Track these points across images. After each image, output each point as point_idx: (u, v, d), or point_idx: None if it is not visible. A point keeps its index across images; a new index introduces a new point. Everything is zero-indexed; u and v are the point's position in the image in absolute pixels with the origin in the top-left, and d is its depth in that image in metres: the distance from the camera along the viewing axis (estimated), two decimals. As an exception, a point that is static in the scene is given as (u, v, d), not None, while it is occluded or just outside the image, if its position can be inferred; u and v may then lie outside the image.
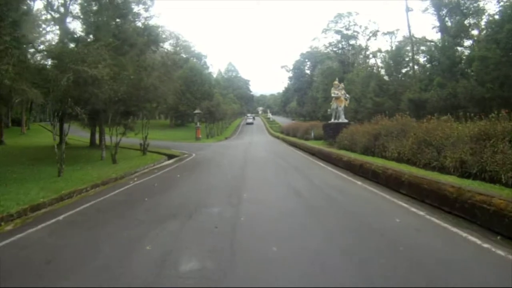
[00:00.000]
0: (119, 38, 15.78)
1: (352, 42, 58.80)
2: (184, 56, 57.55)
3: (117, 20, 17.59)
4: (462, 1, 31.22)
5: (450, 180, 6.00)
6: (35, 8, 21.11)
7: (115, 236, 4.59)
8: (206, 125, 43.99)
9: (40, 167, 12.83)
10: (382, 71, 38.48)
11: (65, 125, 14.72)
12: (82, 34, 17.69)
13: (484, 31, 29.44)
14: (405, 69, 37.02)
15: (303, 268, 3.40)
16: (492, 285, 3.05)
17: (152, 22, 20.14)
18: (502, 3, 24.02)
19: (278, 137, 36.90)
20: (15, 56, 7.81)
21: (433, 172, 7.19)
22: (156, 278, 3.22)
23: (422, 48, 38.41)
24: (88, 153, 18.79)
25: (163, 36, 22.49)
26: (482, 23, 30.83)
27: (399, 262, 3.48)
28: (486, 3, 30.46)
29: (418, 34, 48.83)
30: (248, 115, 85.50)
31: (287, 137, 32.29)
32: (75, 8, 20.03)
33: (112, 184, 9.78)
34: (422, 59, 38.26)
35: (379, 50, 48.06)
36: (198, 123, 38.90)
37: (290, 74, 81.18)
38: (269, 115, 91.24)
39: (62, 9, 20.23)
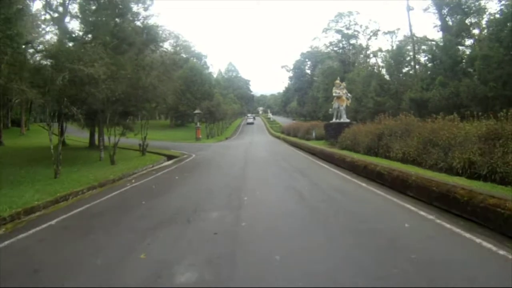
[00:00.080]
0: (117, 37, 15.55)
1: (352, 41, 58.61)
2: (184, 56, 57.40)
3: (117, 20, 17.37)
4: (463, 0, 31.01)
5: (460, 182, 5.75)
6: (34, 9, 21.09)
7: (109, 243, 4.35)
8: (206, 125, 43.78)
9: (37, 169, 12.60)
10: (383, 71, 38.21)
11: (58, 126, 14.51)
12: (81, 33, 17.42)
13: (485, 30, 29.33)
14: (406, 69, 36.80)
15: (310, 280, 3.15)
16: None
17: (151, 21, 19.94)
18: (503, 2, 23.81)
19: (278, 137, 36.64)
20: (9, 55, 7.56)
21: (441, 174, 6.95)
22: (149, 291, 2.98)
23: (423, 47, 38.22)
24: (87, 154, 18.56)
25: (163, 36, 22.26)
26: (483, 22, 30.77)
27: (413, 273, 3.23)
28: (487, 2, 30.35)
29: (419, 33, 48.67)
30: (249, 115, 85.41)
31: (288, 137, 32.04)
32: (74, 8, 19.88)
33: (109, 186, 9.55)
34: (423, 58, 38.11)
35: (380, 50, 47.84)
36: (198, 123, 38.68)
37: (291, 74, 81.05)
38: (270, 115, 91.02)
39: (61, 9, 20.06)
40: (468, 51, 29.74)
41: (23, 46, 16.63)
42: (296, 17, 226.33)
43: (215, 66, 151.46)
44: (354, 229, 4.66)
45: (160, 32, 20.01)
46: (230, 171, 11.55)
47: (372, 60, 50.92)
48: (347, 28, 58.22)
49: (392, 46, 45.58)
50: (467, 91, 23.02)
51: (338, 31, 58.69)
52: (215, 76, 79.60)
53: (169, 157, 17.76)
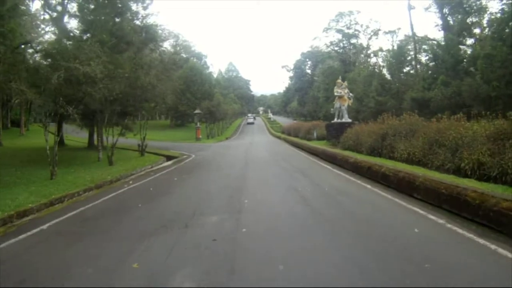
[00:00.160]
0: (116, 36, 15.31)
1: (353, 41, 58.40)
2: (184, 55, 57.16)
3: (116, 19, 17.16)
4: (465, -1, 30.86)
5: (470, 184, 5.50)
6: (33, 9, 20.92)
7: (101, 251, 4.09)
8: (206, 125, 43.53)
9: (34, 170, 12.37)
10: (384, 70, 37.99)
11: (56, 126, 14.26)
12: (78, 32, 17.17)
13: (486, 30, 29.17)
14: (407, 68, 36.59)
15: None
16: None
17: (151, 20, 19.71)
18: (504, 1, 23.58)
19: (279, 137, 36.39)
20: (1, 52, 7.32)
21: (448, 175, 6.70)
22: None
23: (424, 46, 38.05)
24: (85, 154, 18.35)
25: (163, 35, 22.03)
26: (484, 21, 30.59)
27: (429, 285, 2.99)
28: (489, 1, 30.20)
29: (419, 33, 48.28)
30: (249, 115, 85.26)
31: (289, 137, 31.77)
32: (73, 7, 19.68)
33: (106, 187, 9.31)
34: (424, 58, 37.95)
35: (381, 49, 47.64)
36: (198, 123, 38.43)
37: (291, 74, 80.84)
38: (270, 115, 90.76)
39: (59, 8, 19.86)
40: (469, 51, 29.53)
41: (22, 46, 16.46)
42: (296, 17, 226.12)
43: (215, 66, 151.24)
44: (361, 234, 4.40)
45: (160, 31, 19.82)
46: (230, 172, 11.31)
47: (373, 60, 50.77)
48: (348, 28, 58.02)
49: (393, 46, 45.44)
50: (469, 91, 22.77)
51: (339, 31, 58.49)
52: (215, 76, 79.39)
53: (169, 158, 17.53)
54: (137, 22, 18.57)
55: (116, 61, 12.04)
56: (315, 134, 24.11)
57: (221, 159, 16.32)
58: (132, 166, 13.41)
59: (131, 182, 9.93)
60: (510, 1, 22.35)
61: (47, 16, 20.02)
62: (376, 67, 41.30)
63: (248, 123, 69.73)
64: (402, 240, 4.13)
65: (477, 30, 32.03)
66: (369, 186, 7.66)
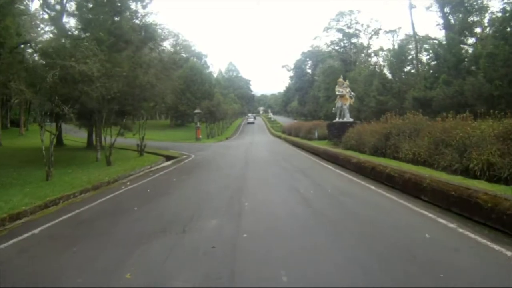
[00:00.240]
0: (114, 35, 15.09)
1: (354, 40, 58.14)
2: (184, 55, 56.89)
3: (115, 18, 16.95)
4: (466, -2, 30.67)
5: (480, 186, 5.27)
6: (33, 8, 20.74)
7: (93, 258, 3.85)
8: (206, 125, 43.32)
9: (30, 170, 12.18)
10: (385, 70, 37.76)
11: (54, 126, 14.08)
12: (76, 32, 16.95)
13: (487, 29, 28.99)
14: (408, 67, 36.37)
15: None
16: None
17: (150, 19, 19.50)
18: (506, 0, 23.37)
19: (279, 137, 36.15)
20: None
21: (456, 176, 6.46)
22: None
23: (425, 46, 37.83)
24: (84, 154, 18.16)
25: (162, 34, 21.79)
26: (485, 20, 30.43)
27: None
28: (490, 0, 30.04)
29: (420, 32, 48.14)
30: (249, 114, 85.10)
31: (289, 137, 31.53)
32: (72, 6, 19.48)
33: (103, 189, 9.09)
34: (424, 57, 37.74)
35: (381, 49, 47.40)
36: (198, 123, 38.22)
37: (291, 74, 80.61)
38: (270, 114, 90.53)
39: (58, 7, 19.67)
40: (470, 50, 29.34)
41: (22, 46, 16.24)
42: (296, 17, 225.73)
43: (216, 66, 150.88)
44: (369, 240, 4.15)
45: (160, 30, 19.60)
46: (230, 172, 11.08)
47: (374, 59, 50.54)
48: (348, 27, 57.79)
49: (394, 45, 45.22)
50: (472, 90, 22.54)
51: (339, 30, 58.24)
52: (215, 75, 79.16)
53: (168, 158, 17.31)
54: (136, 21, 18.37)
55: (114, 60, 11.80)
56: (316, 134, 23.88)
57: (221, 159, 16.11)
58: (131, 166, 13.19)
59: (128, 183, 9.70)
60: (511, 1, 22.16)
61: (46, 16, 19.86)
62: (377, 66, 41.09)
63: (249, 123, 69.68)
64: (412, 246, 3.89)
65: (478, 29, 31.87)
66: (373, 187, 7.42)
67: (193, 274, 3.34)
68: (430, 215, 5.12)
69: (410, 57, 36.69)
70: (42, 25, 20.05)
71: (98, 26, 14.59)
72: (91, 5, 17.36)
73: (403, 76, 34.12)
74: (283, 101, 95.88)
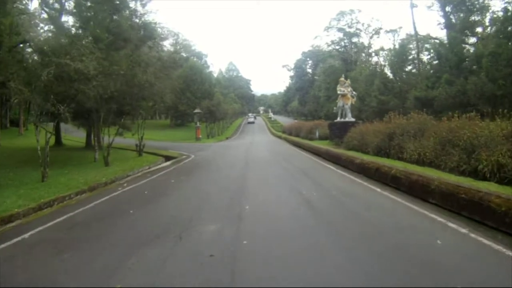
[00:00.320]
0: (113, 33, 14.87)
1: (354, 40, 57.90)
2: (184, 55, 56.63)
3: (114, 17, 16.75)
4: (467, -3, 30.46)
5: (491, 188, 5.04)
6: (32, 8, 20.59)
7: (83, 266, 3.62)
8: (206, 125, 43.09)
9: (27, 171, 11.95)
10: (386, 69, 37.51)
11: (51, 125, 13.84)
12: (74, 30, 16.74)
13: (488, 28, 28.76)
14: (409, 67, 36.14)
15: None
16: None
17: (149, 18, 19.29)
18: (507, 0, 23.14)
19: (280, 137, 35.91)
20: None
21: (465, 178, 6.23)
22: None
23: (427, 45, 37.60)
24: (82, 154, 17.92)
25: (162, 34, 21.56)
26: (486, 20, 30.21)
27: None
28: (491, 0, 29.85)
29: (421, 32, 47.89)
30: (250, 114, 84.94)
31: (290, 137, 31.28)
32: (70, 5, 19.29)
33: (99, 190, 8.85)
34: (426, 57, 37.51)
35: (382, 48, 47.12)
36: (198, 123, 37.98)
37: (292, 73, 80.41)
38: (271, 114, 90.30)
39: (57, 6, 19.49)
40: (472, 49, 29.12)
41: (21, 45, 16.01)
42: (296, 17, 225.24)
43: (216, 66, 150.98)
44: (378, 247, 3.89)
45: (159, 29, 19.38)
46: (230, 173, 10.85)
47: (374, 59, 50.26)
48: (349, 27, 57.54)
49: (394, 45, 44.93)
50: (474, 89, 22.30)
51: (340, 30, 58.00)
52: (215, 75, 78.95)
53: (167, 158, 17.06)
54: (135, 20, 18.15)
55: (111, 58, 11.56)
56: (317, 134, 23.64)
57: (221, 159, 15.88)
58: (129, 166, 12.95)
59: (125, 184, 9.45)
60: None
61: (45, 16, 19.69)
62: (377, 66, 40.84)
63: (249, 123, 69.55)
64: (424, 254, 3.64)
65: (479, 29, 31.65)
66: (378, 189, 7.16)
67: (191, 284, 3.10)
68: (440, 219, 4.88)
69: (411, 57, 36.45)
70: (41, 24, 19.90)
71: (96, 24, 14.38)
72: (89, 4, 17.18)
73: (404, 76, 33.89)
74: (284, 101, 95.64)
